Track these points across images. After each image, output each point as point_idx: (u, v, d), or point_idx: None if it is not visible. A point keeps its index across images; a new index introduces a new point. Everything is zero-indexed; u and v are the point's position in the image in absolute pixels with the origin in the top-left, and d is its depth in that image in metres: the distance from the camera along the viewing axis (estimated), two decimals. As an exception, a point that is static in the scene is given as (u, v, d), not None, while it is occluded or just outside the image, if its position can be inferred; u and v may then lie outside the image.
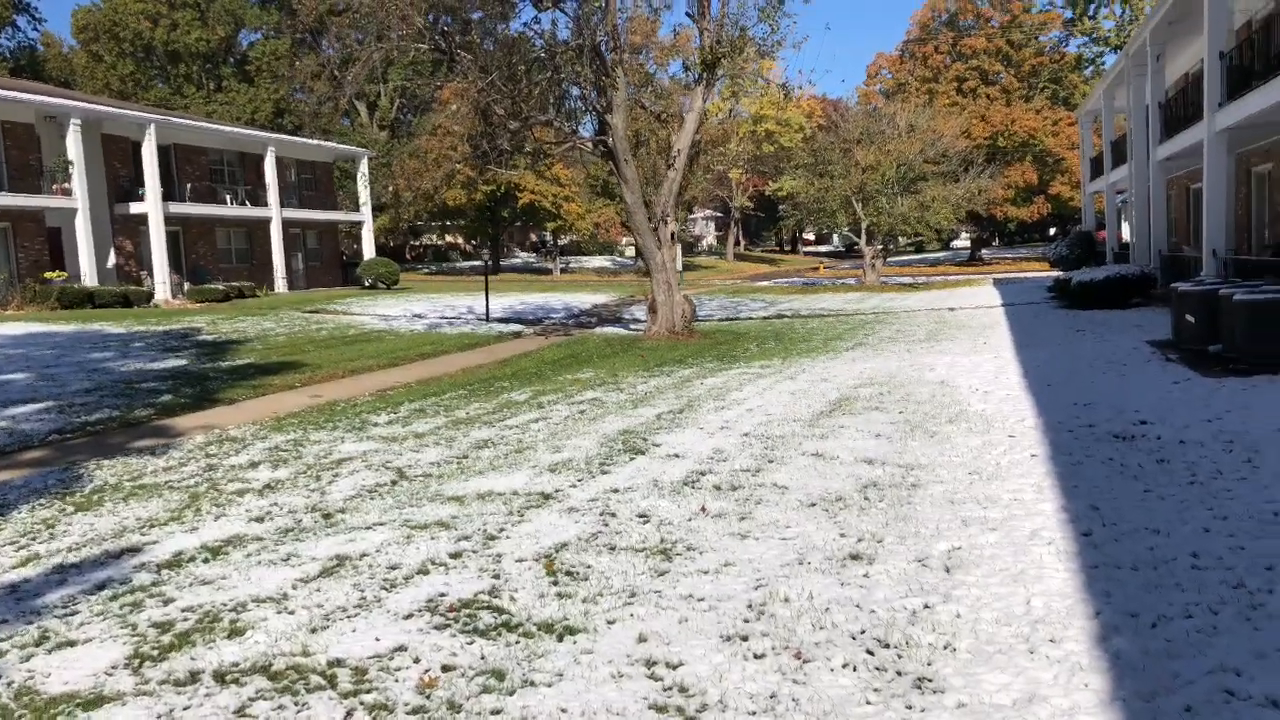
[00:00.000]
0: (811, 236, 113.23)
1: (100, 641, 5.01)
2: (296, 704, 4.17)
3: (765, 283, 48.96)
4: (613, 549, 6.12)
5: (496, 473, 8.69)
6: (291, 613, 5.33)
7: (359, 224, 43.96)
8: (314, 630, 5.05)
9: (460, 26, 20.56)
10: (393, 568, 6.06)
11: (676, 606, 5.03)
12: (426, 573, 5.91)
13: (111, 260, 31.32)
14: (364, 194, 40.09)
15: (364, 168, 42.44)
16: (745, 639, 4.55)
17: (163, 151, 32.30)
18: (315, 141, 39.46)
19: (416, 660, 4.57)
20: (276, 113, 56.53)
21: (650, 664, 4.36)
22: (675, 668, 4.30)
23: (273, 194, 37.29)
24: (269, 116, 55.51)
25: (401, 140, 61.34)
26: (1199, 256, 20.87)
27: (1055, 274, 37.96)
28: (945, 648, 4.30)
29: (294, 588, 5.76)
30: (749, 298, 36.91)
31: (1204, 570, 5.00)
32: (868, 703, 3.83)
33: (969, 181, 42.24)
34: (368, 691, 4.25)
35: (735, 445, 9.15)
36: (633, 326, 25.85)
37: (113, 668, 4.67)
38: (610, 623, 4.88)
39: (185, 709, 4.17)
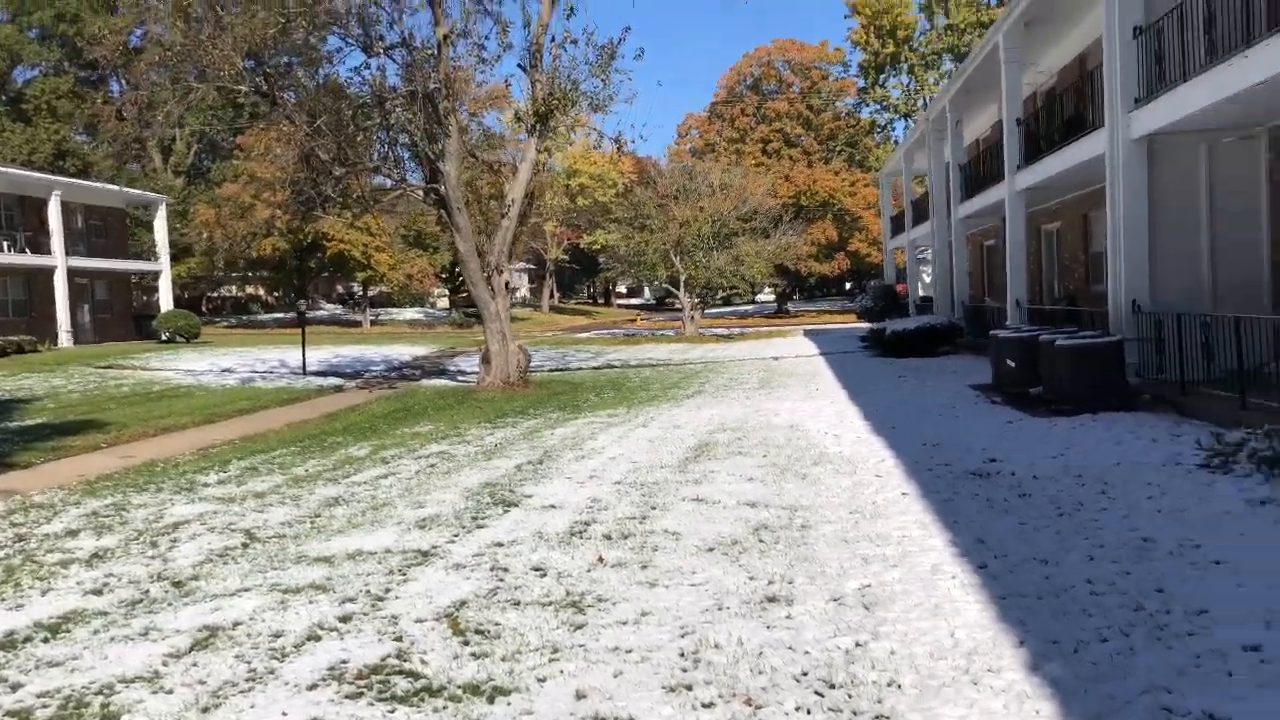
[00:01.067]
0: (624, 289, 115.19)
1: (-56, 741, 4.31)
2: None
3: (585, 334, 49.22)
4: (517, 604, 5.84)
5: (359, 531, 8.18)
6: (170, 692, 4.77)
7: (155, 274, 41.21)
8: (205, 710, 4.52)
9: (283, 69, 19.79)
10: (276, 635, 5.55)
11: (606, 659, 4.82)
12: (317, 638, 5.44)
13: None
14: (162, 242, 37.62)
15: (161, 214, 39.94)
16: (689, 688, 4.40)
17: (-71, 192, 29.37)
18: (106, 186, 36.75)
19: (335, 736, 4.16)
20: (57, 154, 52.49)
21: (597, 719, 4.14)
22: (626, 722, 4.10)
23: (57, 240, 34.41)
24: (48, 158, 51.45)
25: (198, 187, 58.31)
26: (1000, 307, 22.50)
27: (863, 325, 40.13)
28: (891, 684, 4.30)
29: (164, 664, 5.17)
30: (574, 348, 36.96)
31: (1102, 595, 5.25)
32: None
33: (778, 237, 44.14)
34: (291, 775, 3.82)
35: (611, 494, 9.00)
36: (461, 378, 25.31)
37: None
38: (541, 680, 4.62)
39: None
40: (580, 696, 4.41)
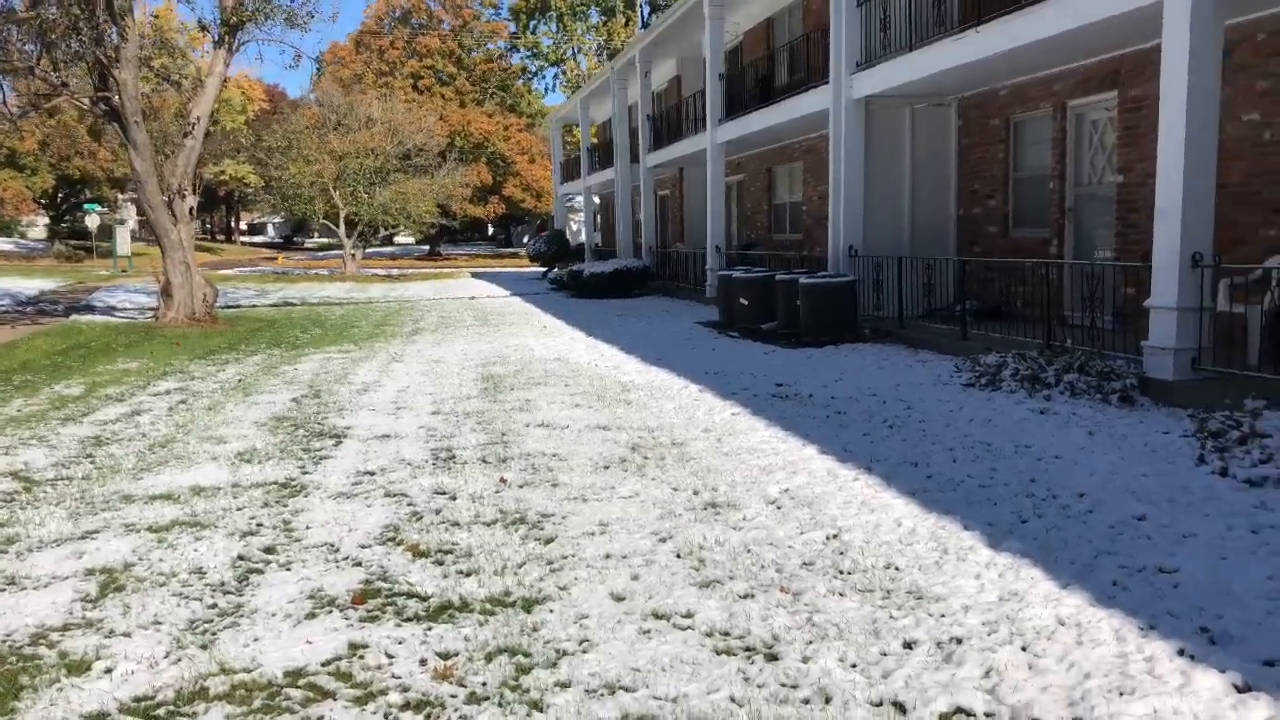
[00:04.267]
0: (245, 226, 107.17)
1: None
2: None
3: (228, 271, 45.42)
4: (456, 524, 5.66)
5: (169, 468, 7.37)
6: (128, 636, 4.15)
7: None
8: (206, 647, 4.02)
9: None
10: (197, 571, 4.98)
11: (611, 566, 4.89)
12: (259, 570, 5.00)
13: None
14: None
15: None
16: (718, 582, 4.61)
17: None
18: None
19: (390, 658, 3.91)
20: None
21: (658, 616, 4.24)
22: (689, 615, 4.24)
23: None
24: None
25: None
26: (690, 252, 24.03)
27: (533, 268, 40.79)
28: (889, 566, 4.80)
29: (87, 609, 4.46)
30: (229, 285, 34.08)
31: (991, 488, 6.10)
32: (891, 618, 4.17)
33: (443, 176, 43.44)
34: (363, 696, 3.58)
35: (442, 424, 8.76)
36: (118, 314, 22.58)
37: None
38: (563, 588, 4.60)
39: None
40: (619, 598, 4.47)
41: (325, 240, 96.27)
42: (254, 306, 25.25)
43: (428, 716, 3.45)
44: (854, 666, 3.74)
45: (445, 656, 3.92)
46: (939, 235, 14.67)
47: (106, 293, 29.38)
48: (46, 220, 65.47)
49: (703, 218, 25.21)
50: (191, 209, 19.58)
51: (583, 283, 24.31)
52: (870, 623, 4.12)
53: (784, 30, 20.94)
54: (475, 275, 41.10)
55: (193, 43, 25.49)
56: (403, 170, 42.44)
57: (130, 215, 56.14)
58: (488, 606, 4.42)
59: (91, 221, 53.63)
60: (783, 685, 3.60)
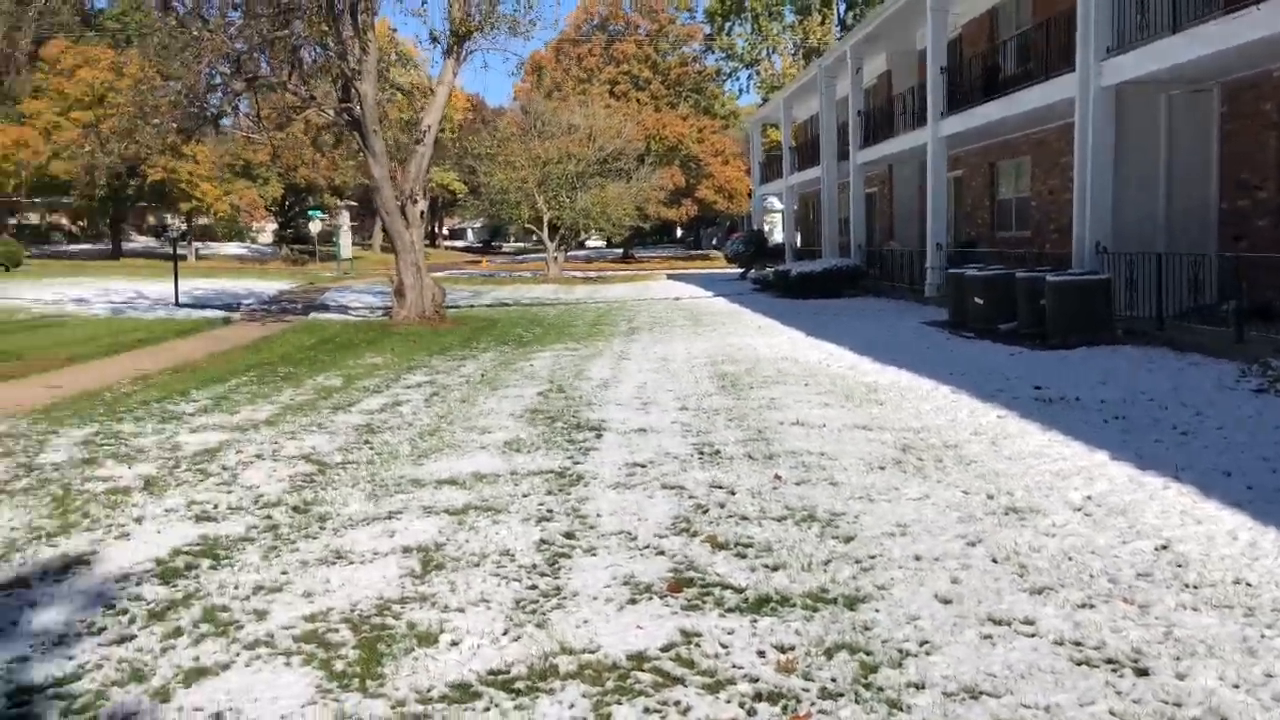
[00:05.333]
0: (447, 231, 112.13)
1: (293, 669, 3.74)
2: (692, 713, 3.36)
3: (438, 274, 47.59)
4: (745, 518, 5.61)
5: (444, 456, 7.68)
6: (461, 611, 4.29)
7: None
8: (541, 626, 4.10)
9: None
10: (505, 553, 5.10)
11: (926, 569, 4.71)
12: (566, 555, 5.05)
13: None
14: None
15: (-29, 127, 35.50)
16: (1054, 590, 4.36)
17: None
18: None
19: (725, 647, 3.87)
20: None
21: (995, 621, 4.04)
22: (1029, 622, 4.02)
23: None
24: None
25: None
26: (906, 250, 23.37)
27: (729, 269, 40.81)
28: (1237, 582, 4.40)
29: (415, 583, 4.65)
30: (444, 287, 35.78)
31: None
32: (1263, 636, 3.81)
33: (640, 180, 44.07)
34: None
35: (694, 419, 8.79)
36: (352, 313, 24.06)
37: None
38: (881, 587, 4.45)
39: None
40: (945, 600, 4.29)
41: (521, 244, 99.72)
42: (472, 307, 26.35)
43: (784, 709, 3.39)
44: (1237, 687, 3.43)
45: (782, 649, 3.85)
46: (1196, 230, 13.60)
47: (336, 293, 31.41)
48: (274, 226, 70.64)
49: (912, 216, 24.54)
50: (422, 213, 20.59)
51: (790, 282, 24.05)
52: (1240, 640, 3.78)
53: (1009, 21, 20.04)
54: (671, 276, 41.48)
55: (412, 55, 26.80)
56: (601, 174, 43.34)
57: (346, 220, 59.94)
58: (808, 602, 4.33)
59: (314, 227, 57.53)
60: (1164, 702, 3.34)
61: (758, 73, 66.70)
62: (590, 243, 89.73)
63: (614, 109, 56.44)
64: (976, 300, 14.20)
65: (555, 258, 43.11)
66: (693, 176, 61.46)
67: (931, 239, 20.06)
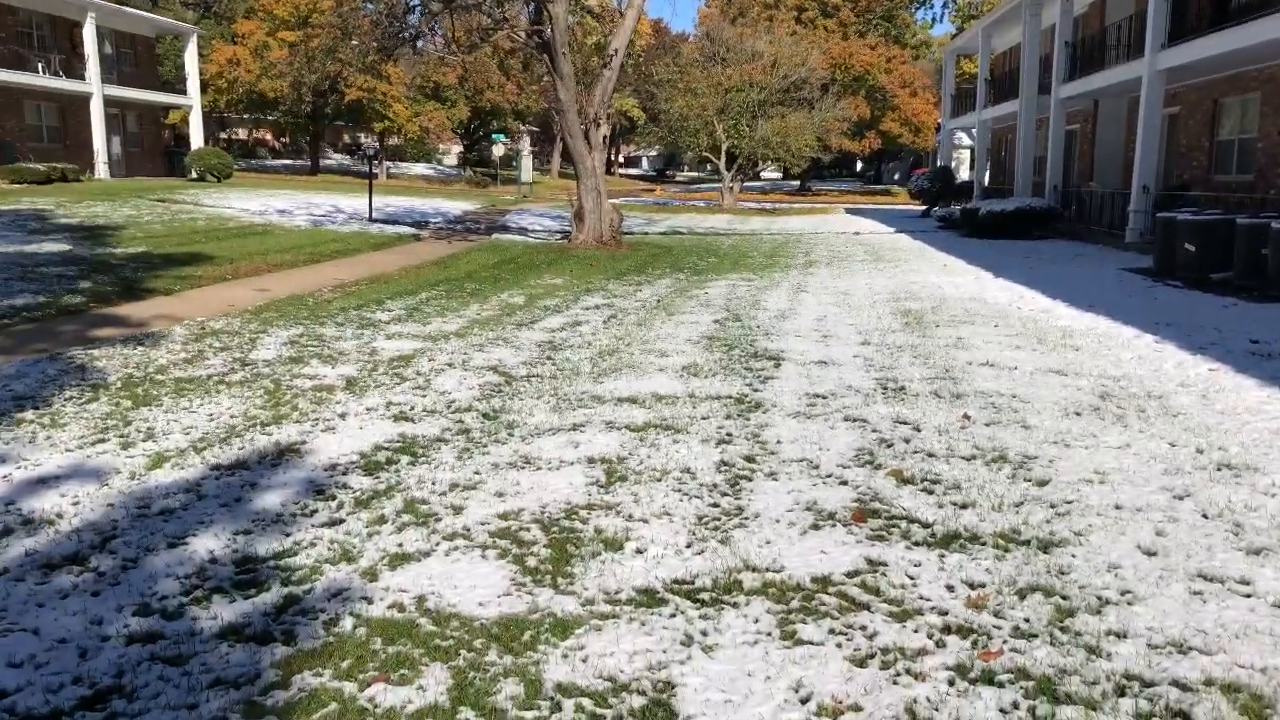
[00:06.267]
0: (622, 159, 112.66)
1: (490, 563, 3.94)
2: (878, 639, 3.34)
3: (613, 200, 48.07)
4: (932, 455, 5.47)
5: (621, 375, 7.81)
6: (645, 522, 4.37)
7: (184, 108, 39.40)
8: (724, 542, 4.14)
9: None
10: (687, 471, 5.15)
11: (1128, 518, 4.48)
12: (747, 477, 5.05)
13: (-100, 126, 26.56)
14: (193, 76, 35.76)
15: (193, 46, 37.94)
16: (1274, 551, 4.07)
17: (-39, 4, 27.49)
18: (139, 12, 34.66)
19: (912, 579, 3.80)
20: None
21: (1206, 578, 3.81)
22: (1245, 582, 3.77)
23: (93, 66, 32.54)
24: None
25: (211, 22, 55.57)
26: (1106, 192, 21.95)
27: (912, 206, 39.47)
28: None
29: (600, 495, 4.76)
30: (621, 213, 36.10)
31: None
32: None
33: (823, 111, 42.87)
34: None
35: (877, 355, 8.60)
36: (532, 235, 24.61)
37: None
38: (1078, 533, 4.27)
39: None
40: (1149, 553, 4.08)
41: (695, 174, 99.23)
42: (646, 234, 26.49)
43: (974, 644, 3.31)
44: None
45: (972, 586, 3.76)
46: None
47: (516, 215, 32.18)
48: (459, 149, 72.74)
49: (1115, 156, 22.98)
50: (605, 137, 20.73)
51: (978, 221, 23.02)
52: None
53: (1248, -60, 18.17)
54: (850, 211, 40.43)
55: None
56: (783, 104, 42.37)
57: (527, 145, 61.10)
58: (999, 541, 4.21)
59: (496, 150, 58.91)
60: None
61: (954, 0, 63.34)
62: (765, 174, 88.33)
63: (800, 36, 54.89)
64: (1187, 247, 13.20)
65: (730, 188, 42.68)
66: (878, 108, 59.31)
67: (1138, 180, 18.72)
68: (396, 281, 14.44)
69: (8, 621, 3.42)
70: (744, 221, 32.89)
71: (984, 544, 4.18)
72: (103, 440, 5.70)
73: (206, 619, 3.47)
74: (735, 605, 3.61)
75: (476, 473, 5.21)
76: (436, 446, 5.72)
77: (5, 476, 5.00)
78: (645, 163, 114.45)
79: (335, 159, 70.23)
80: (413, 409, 6.63)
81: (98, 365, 7.85)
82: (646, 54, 61.21)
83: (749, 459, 5.44)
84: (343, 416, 6.42)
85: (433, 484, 5.02)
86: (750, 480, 5.08)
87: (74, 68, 32.66)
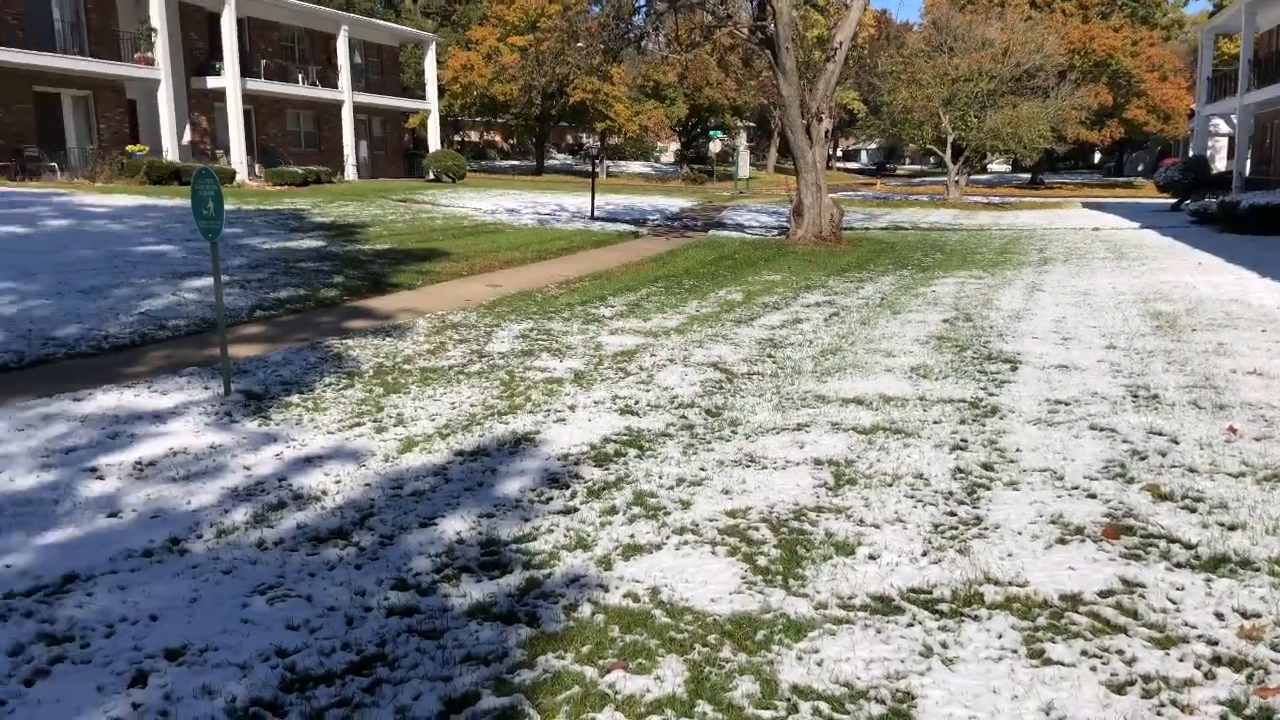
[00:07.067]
0: (840, 153, 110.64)
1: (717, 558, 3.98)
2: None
3: (833, 195, 47.31)
4: (1193, 470, 5.07)
5: (844, 375, 7.66)
6: (877, 527, 4.25)
7: (423, 112, 41.96)
8: (962, 552, 3.97)
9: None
10: (919, 477, 4.98)
11: None
12: (985, 485, 4.83)
13: (187, 136, 29.65)
14: (431, 81, 38.00)
15: (431, 53, 40.35)
16: None
17: (238, 24, 30.33)
18: (384, 23, 37.22)
19: (1174, 603, 3.52)
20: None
21: None
22: None
23: (345, 76, 35.30)
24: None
25: (447, 29, 58.85)
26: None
27: (1160, 200, 36.66)
28: None
29: (829, 497, 4.68)
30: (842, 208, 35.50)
31: None
32: None
33: (1059, 99, 40.43)
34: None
35: (1125, 359, 8.06)
36: (748, 231, 24.57)
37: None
38: (1381, 569, 3.82)
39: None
40: None
41: (916, 167, 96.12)
42: (866, 229, 25.90)
43: (1249, 678, 3.04)
44: None
45: (1245, 615, 3.45)
46: None
47: (732, 211, 32.26)
48: (676, 146, 73.69)
49: None
50: (827, 131, 20.41)
51: (1239, 215, 21.07)
52: None
53: None
54: (1087, 205, 38.03)
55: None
56: (1014, 93, 40.29)
57: (743, 141, 61.10)
58: (1276, 569, 3.83)
59: (713, 147, 59.22)
60: None
61: (1213, -27, 58.19)
62: (992, 166, 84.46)
63: (1035, 21, 52.03)
64: None
65: (956, 181, 41.04)
66: (1121, 94, 55.37)
67: None
68: (617, 278, 14.78)
69: (285, 587, 3.75)
70: (971, 216, 31.56)
71: (1258, 570, 3.82)
72: (358, 424, 6.14)
73: (456, 596, 3.67)
74: (976, 618, 3.47)
75: (702, 469, 5.26)
76: (661, 441, 5.81)
77: (278, 455, 5.48)
78: (864, 156, 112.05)
79: (559, 159, 72.85)
80: (637, 403, 6.77)
81: (351, 354, 8.47)
82: (870, 45, 59.81)
83: (986, 467, 5.21)
84: (572, 408, 6.63)
85: (660, 478, 5.10)
86: (988, 489, 4.87)
87: (328, 77, 35.47)
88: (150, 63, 26.93)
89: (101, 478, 5.01)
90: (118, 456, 5.35)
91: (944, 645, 3.26)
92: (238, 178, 28.33)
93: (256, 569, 3.91)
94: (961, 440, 5.73)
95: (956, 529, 4.33)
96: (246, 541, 4.20)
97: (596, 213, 28.35)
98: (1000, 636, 3.32)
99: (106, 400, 6.56)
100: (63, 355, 8.15)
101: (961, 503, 4.67)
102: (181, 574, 3.85)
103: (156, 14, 26.87)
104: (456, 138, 67.94)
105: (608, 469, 5.27)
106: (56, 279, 11.40)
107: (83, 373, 7.51)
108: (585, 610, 3.54)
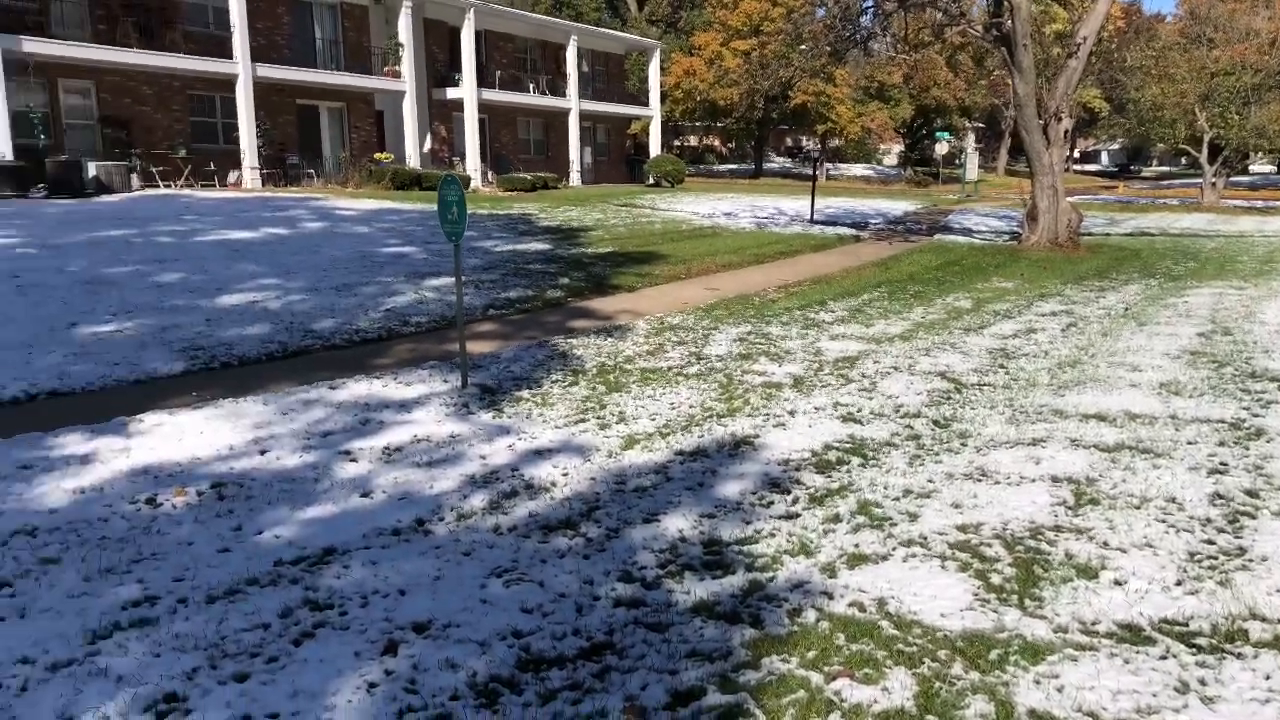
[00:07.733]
0: (1077, 154, 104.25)
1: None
2: None
3: (1070, 199, 44.64)
4: None
5: (1084, 389, 7.21)
6: (1123, 551, 3.97)
7: (645, 119, 42.88)
8: (1223, 584, 3.65)
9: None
10: (1171, 500, 4.61)
11: None
12: (1250, 515, 4.42)
13: (428, 144, 31.61)
14: (654, 88, 38.71)
15: (655, 60, 41.12)
16: None
17: (475, 37, 32.03)
18: (612, 32, 38.30)
19: None
20: (555, 4, 56.01)
21: None
22: None
23: (572, 85, 36.58)
24: (548, 8, 55.08)
25: (671, 36, 59.78)
26: None
27: None
28: None
29: (1068, 517, 4.40)
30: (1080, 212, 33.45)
31: None
32: None
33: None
34: None
35: None
36: (975, 235, 23.55)
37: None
38: None
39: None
40: None
41: (1164, 169, 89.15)
42: (1108, 235, 24.32)
43: None
44: None
45: None
46: None
47: (959, 215, 31.05)
48: (899, 148, 71.75)
49: None
50: (1066, 132, 19.33)
51: None
52: None
53: None
54: (1370, 210, 34.03)
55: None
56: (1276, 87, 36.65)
57: (972, 142, 58.66)
58: None
59: (940, 148, 57.25)
60: None
61: None
62: (1255, 167, 77.13)
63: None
64: None
65: (1213, 183, 37.75)
66: None
67: None
68: (838, 282, 14.55)
69: (519, 572, 3.93)
70: (1230, 221, 28.97)
71: None
72: (583, 420, 6.34)
73: (680, 593, 3.72)
74: (1240, 656, 3.19)
75: (930, 481, 5.09)
76: (886, 451, 5.68)
77: (510, 446, 5.75)
78: (1104, 158, 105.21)
79: (777, 162, 72.55)
80: (860, 411, 6.64)
81: (576, 353, 8.76)
82: (1116, 39, 56.02)
83: (1251, 493, 4.77)
84: (792, 414, 6.58)
85: (885, 488, 4.99)
86: (1253, 518, 4.46)
87: (557, 86, 36.84)
88: (397, 75, 28.88)
89: (355, 460, 5.42)
90: (369, 441, 5.77)
91: (1202, 682, 3.02)
92: (472, 184, 29.92)
93: (493, 552, 4.12)
94: (1221, 463, 5.27)
95: (1216, 558, 3.99)
96: (484, 526, 4.43)
97: (816, 216, 28.01)
98: (1268, 678, 3.04)
99: (358, 389, 7.09)
100: (319, 346, 8.88)
101: (1221, 531, 4.30)
102: (426, 553, 4.11)
103: (405, 30, 28.77)
104: (675, 142, 68.98)
105: (830, 476, 5.21)
106: (313, 276, 12.43)
107: (337, 363, 8.16)
108: (810, 616, 3.51)
